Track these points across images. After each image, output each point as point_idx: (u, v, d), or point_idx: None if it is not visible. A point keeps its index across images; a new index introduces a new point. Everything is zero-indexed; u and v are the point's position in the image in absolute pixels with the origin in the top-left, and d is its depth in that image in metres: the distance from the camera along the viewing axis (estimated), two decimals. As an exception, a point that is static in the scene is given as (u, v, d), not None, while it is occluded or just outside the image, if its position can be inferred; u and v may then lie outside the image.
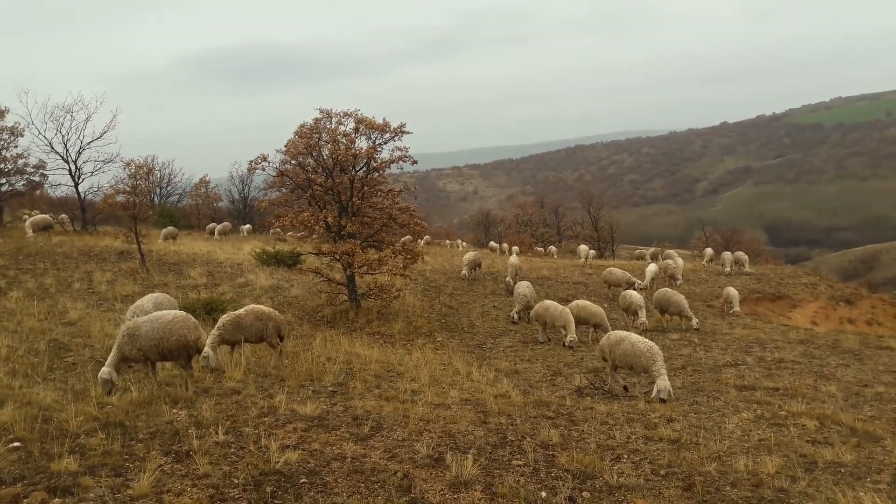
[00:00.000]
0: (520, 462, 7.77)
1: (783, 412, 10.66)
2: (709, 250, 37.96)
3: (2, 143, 32.01)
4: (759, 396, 11.82)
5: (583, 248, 36.75)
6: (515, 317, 20.62)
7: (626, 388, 12.27)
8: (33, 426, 7.73)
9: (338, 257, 19.50)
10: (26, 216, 31.32)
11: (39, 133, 30.51)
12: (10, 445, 7.16)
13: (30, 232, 26.36)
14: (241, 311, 12.28)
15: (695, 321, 20.03)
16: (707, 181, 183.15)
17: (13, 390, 9.42)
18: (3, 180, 32.65)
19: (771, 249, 74.04)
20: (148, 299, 13.14)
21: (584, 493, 6.94)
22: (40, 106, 44.24)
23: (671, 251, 38.62)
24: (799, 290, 30.54)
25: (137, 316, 11.46)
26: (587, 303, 18.81)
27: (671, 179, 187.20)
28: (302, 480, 6.79)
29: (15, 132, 31.75)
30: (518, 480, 7.15)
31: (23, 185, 33.50)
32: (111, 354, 9.80)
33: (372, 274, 20.45)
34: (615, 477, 7.35)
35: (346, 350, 14.44)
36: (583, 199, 61.71)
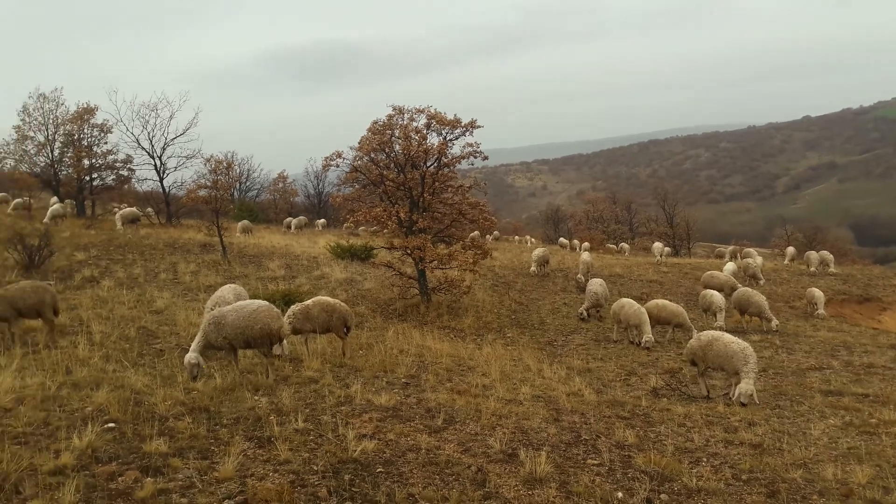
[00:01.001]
0: (595, 461, 7.68)
1: (874, 420, 10.18)
2: (791, 249, 36.47)
3: (93, 139, 33.86)
4: (846, 402, 11.30)
5: (657, 245, 35.93)
6: (585, 314, 20.34)
7: (708, 395, 11.85)
8: (126, 408, 8.14)
9: (409, 252, 19.72)
10: (116, 209, 32.95)
11: (127, 130, 32.08)
12: (106, 426, 7.57)
13: (119, 224, 27.75)
14: (310, 301, 12.65)
15: (774, 322, 19.28)
16: (788, 177, 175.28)
17: (107, 374, 9.96)
18: (95, 175, 34.51)
19: (857, 249, 70.22)
20: (228, 290, 13.61)
21: (662, 496, 6.81)
22: (128, 104, 46.64)
23: (750, 250, 37.27)
24: (889, 291, 28.92)
25: (219, 306, 11.88)
26: (667, 302, 18.31)
27: (750, 175, 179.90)
28: (378, 470, 6.90)
29: (104, 129, 33.51)
30: (593, 480, 7.08)
31: (112, 179, 35.32)
32: (196, 341, 10.20)
33: (442, 269, 20.58)
34: (694, 480, 7.19)
35: (418, 343, 14.59)
36: (657, 194, 60.15)
